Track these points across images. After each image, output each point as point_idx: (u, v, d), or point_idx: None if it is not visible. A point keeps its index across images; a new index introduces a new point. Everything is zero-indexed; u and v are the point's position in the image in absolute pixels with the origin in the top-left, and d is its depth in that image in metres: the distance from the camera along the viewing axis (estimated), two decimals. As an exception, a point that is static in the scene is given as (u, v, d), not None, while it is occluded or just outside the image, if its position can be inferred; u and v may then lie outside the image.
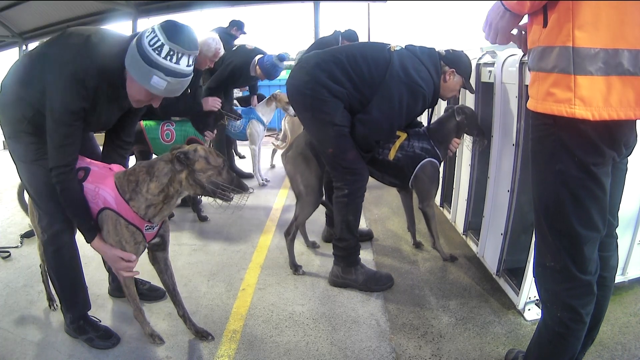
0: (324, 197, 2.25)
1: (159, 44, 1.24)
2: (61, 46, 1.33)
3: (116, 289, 1.86)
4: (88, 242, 1.41)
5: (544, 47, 0.96)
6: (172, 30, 1.25)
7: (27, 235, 2.44)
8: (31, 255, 2.27)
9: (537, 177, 1.09)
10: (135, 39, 1.29)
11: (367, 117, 1.81)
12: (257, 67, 3.37)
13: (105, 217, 1.39)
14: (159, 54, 1.24)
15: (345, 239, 1.94)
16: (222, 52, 2.80)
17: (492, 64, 1.95)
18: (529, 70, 1.04)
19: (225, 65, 3.22)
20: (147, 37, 1.25)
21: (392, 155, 2.05)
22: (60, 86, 1.27)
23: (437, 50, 1.92)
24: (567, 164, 0.99)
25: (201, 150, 1.40)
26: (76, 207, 1.38)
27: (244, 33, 4.05)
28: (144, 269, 1.66)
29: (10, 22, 6.61)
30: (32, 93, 1.33)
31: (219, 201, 1.46)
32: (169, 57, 1.25)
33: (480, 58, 2.13)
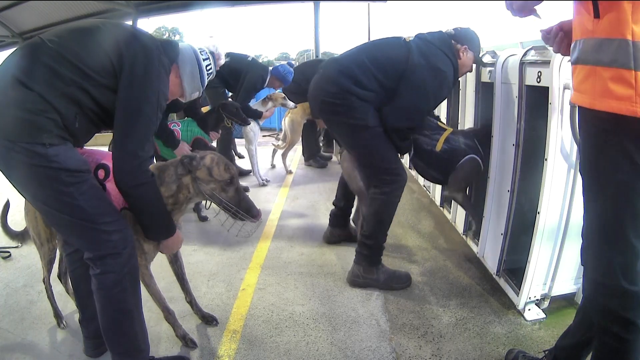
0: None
1: (210, 70, 1.48)
2: (147, 36, 1.29)
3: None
4: (167, 238, 1.35)
5: (601, 39, 0.88)
6: (215, 62, 1.53)
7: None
8: (31, 255, 2.27)
9: (594, 188, 1.01)
10: (191, 52, 1.42)
11: (394, 106, 1.83)
12: (273, 76, 3.56)
13: (125, 216, 1.33)
14: (208, 78, 1.47)
15: (375, 237, 1.94)
16: (222, 61, 2.80)
17: (492, 64, 1.95)
18: (577, 62, 0.96)
19: (250, 74, 3.42)
20: (204, 59, 1.45)
21: (439, 146, 2.05)
22: (156, 72, 1.23)
23: (444, 31, 1.95)
24: (629, 174, 0.92)
25: (208, 159, 1.38)
26: (160, 199, 1.28)
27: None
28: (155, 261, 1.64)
29: (10, 22, 6.61)
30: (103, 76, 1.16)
31: (218, 220, 1.44)
32: (208, 82, 1.49)
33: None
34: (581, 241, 1.09)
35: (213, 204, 1.45)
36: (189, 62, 1.40)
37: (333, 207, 2.41)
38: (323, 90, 1.88)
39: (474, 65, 2.04)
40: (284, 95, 3.71)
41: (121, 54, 1.18)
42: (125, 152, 1.18)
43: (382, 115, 1.86)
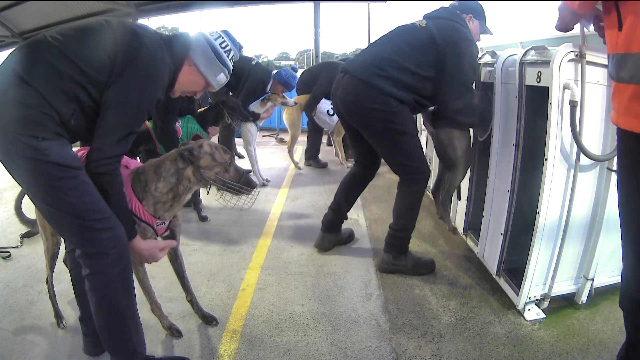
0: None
1: (227, 48, 1.46)
2: (149, 34, 1.26)
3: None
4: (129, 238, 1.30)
5: (622, 55, 0.87)
6: (234, 40, 1.52)
7: (27, 235, 2.44)
8: (31, 255, 2.27)
9: (630, 205, 0.99)
10: (201, 38, 1.42)
11: (444, 93, 1.85)
12: (275, 81, 3.55)
13: None
14: (228, 56, 1.46)
15: (406, 229, 2.08)
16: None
17: (492, 64, 1.95)
18: (611, 78, 0.95)
19: (251, 77, 3.45)
20: (215, 39, 1.44)
21: None
22: (152, 73, 1.22)
23: (448, 6, 2.01)
24: None
25: (206, 147, 1.40)
26: (123, 199, 1.27)
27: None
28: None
29: (10, 22, 6.62)
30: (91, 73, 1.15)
31: (224, 200, 1.46)
32: (231, 61, 1.48)
33: (480, 58, 2.13)
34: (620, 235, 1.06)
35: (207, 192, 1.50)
36: (199, 48, 1.40)
37: (330, 212, 2.33)
38: (357, 95, 1.89)
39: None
40: (282, 94, 3.71)
41: (117, 52, 1.18)
42: (96, 146, 1.17)
43: (439, 110, 1.93)
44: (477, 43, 2.10)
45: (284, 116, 4.08)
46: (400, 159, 2.01)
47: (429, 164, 2.10)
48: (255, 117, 3.48)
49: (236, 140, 4.54)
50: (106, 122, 1.17)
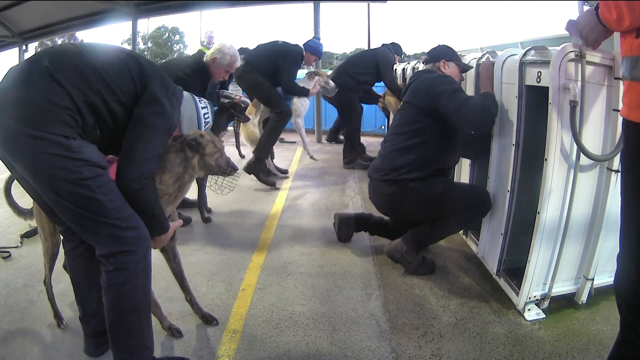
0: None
1: (208, 119, 1.62)
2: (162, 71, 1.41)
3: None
4: (164, 232, 1.37)
5: (637, 57, 0.99)
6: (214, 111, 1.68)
7: (27, 235, 2.44)
8: (31, 255, 2.27)
9: (629, 189, 1.07)
10: (194, 100, 1.57)
11: (469, 125, 1.91)
12: (307, 52, 3.64)
13: None
14: (205, 126, 1.60)
15: (443, 235, 2.13)
16: (238, 63, 2.71)
17: (492, 64, 1.95)
18: (622, 78, 1.07)
19: (287, 53, 3.50)
20: (202, 107, 1.60)
21: None
22: (170, 102, 1.33)
23: (421, 66, 2.16)
24: None
25: (207, 136, 1.51)
26: (155, 201, 1.31)
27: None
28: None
29: (10, 22, 6.61)
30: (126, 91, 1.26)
31: (219, 184, 1.67)
32: (205, 128, 1.62)
33: (480, 58, 2.13)
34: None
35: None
36: (188, 109, 1.54)
37: (371, 217, 2.41)
38: (384, 196, 2.09)
39: (472, 73, 2.10)
40: (327, 74, 3.88)
41: (146, 83, 1.27)
42: (126, 167, 1.22)
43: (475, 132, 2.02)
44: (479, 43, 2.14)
45: (386, 101, 4.18)
46: (462, 207, 2.00)
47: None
48: (304, 93, 3.63)
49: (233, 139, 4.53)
50: (136, 149, 1.23)
